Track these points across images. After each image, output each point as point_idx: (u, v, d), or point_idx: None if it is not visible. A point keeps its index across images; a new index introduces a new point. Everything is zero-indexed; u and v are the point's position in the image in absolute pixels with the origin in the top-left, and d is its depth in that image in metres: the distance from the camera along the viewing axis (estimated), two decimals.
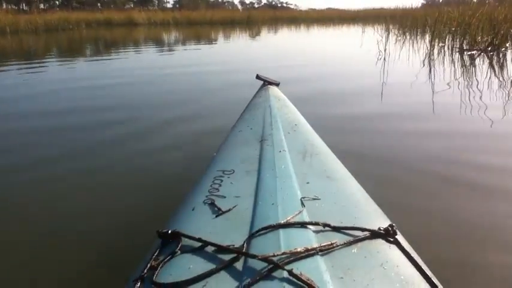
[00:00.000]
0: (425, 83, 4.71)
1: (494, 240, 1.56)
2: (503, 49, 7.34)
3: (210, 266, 0.76)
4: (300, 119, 1.78)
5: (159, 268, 0.78)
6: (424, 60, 6.68)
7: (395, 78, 5.09)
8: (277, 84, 2.38)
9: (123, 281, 0.83)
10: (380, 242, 0.86)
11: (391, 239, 0.87)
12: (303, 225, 0.87)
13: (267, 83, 2.34)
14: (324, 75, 5.62)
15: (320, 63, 7.08)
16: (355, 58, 7.62)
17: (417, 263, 0.81)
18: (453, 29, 8.57)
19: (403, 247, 0.84)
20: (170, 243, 0.86)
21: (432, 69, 5.70)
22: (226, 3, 63.71)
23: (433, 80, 4.84)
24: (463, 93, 4.04)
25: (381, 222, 0.93)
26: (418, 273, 0.78)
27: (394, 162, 2.33)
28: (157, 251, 0.84)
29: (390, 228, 0.88)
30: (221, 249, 0.81)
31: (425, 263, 0.83)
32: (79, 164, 2.46)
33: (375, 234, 0.86)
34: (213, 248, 0.82)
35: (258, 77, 2.37)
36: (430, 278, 0.77)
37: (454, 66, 6.08)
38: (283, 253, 0.76)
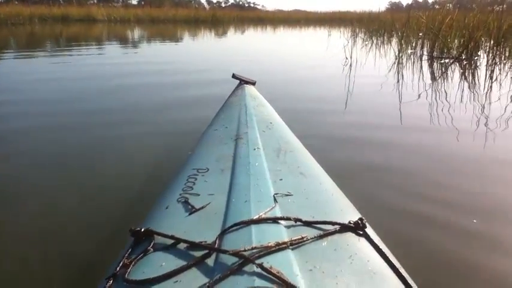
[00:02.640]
0: (392, 92, 4.48)
1: (461, 231, 1.64)
2: (476, 58, 6.99)
3: (182, 263, 0.77)
4: (276, 118, 1.80)
5: (131, 266, 0.79)
6: (392, 68, 6.30)
7: (361, 86, 4.83)
8: (253, 83, 2.38)
9: (97, 280, 0.82)
10: (350, 235, 0.88)
11: (361, 232, 0.89)
12: (274, 220, 0.89)
13: (243, 82, 2.35)
14: (288, 78, 5.47)
15: (285, 66, 6.84)
16: (321, 63, 7.17)
17: (385, 255, 0.83)
18: (421, 34, 8.17)
19: (372, 240, 0.87)
20: (143, 241, 0.86)
21: (400, 79, 5.35)
22: (192, 2, 62.63)
23: (401, 90, 4.57)
24: (432, 104, 3.86)
25: (352, 216, 0.95)
26: (386, 264, 0.81)
27: (364, 162, 2.41)
28: (130, 249, 0.85)
29: (360, 222, 0.90)
30: (193, 245, 0.82)
31: (394, 255, 0.86)
32: (51, 163, 2.39)
33: (344, 228, 0.89)
34: (185, 245, 0.82)
35: (234, 76, 2.38)
36: (398, 269, 0.79)
37: (424, 75, 5.76)
38: (254, 248, 0.77)
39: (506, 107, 3.64)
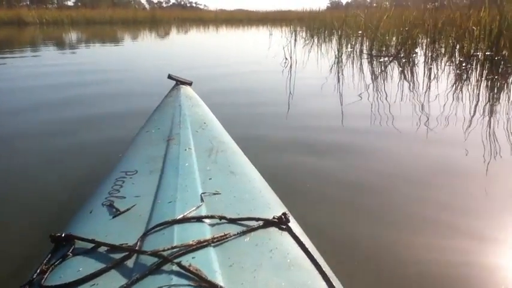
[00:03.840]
0: (332, 91, 4.42)
1: (386, 225, 1.67)
2: (414, 55, 7.01)
3: (102, 266, 0.76)
4: (210, 118, 1.79)
5: (48, 272, 0.77)
6: (332, 67, 6.20)
7: (302, 86, 4.76)
8: (189, 84, 2.35)
9: None
10: (273, 230, 0.90)
11: (284, 227, 0.91)
12: (198, 219, 0.89)
13: (179, 82, 2.30)
14: (228, 79, 5.37)
15: (225, 66, 6.65)
16: (263, 63, 6.96)
17: (305, 247, 0.85)
18: (360, 32, 8.14)
19: (294, 233, 0.89)
20: (63, 246, 0.85)
21: (341, 78, 5.29)
22: (132, 2, 60.77)
23: (341, 90, 4.50)
24: (373, 104, 3.78)
25: (278, 212, 0.95)
26: (306, 256, 0.83)
27: (299, 161, 2.39)
28: (49, 255, 0.83)
29: (283, 217, 0.92)
30: (114, 248, 0.81)
31: (320, 247, 0.91)
32: None
33: (268, 223, 0.91)
34: (106, 249, 0.82)
35: (169, 76, 2.32)
36: (316, 260, 0.81)
37: (364, 73, 5.69)
38: (174, 247, 0.78)
39: (444, 104, 3.59)
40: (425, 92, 4.27)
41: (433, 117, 3.18)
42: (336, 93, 4.35)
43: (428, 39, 7.23)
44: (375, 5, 10.94)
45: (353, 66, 6.34)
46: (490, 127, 2.96)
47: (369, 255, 1.48)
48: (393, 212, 1.78)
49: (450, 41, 6.98)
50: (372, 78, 5.33)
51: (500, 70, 5.62)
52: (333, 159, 2.43)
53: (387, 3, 9.14)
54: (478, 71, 5.66)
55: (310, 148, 2.61)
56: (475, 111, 3.41)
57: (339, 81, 5.06)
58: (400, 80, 5.08)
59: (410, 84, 4.77)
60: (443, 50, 7.13)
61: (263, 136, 2.82)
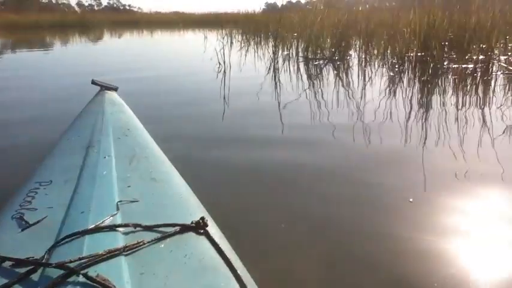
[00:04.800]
0: (271, 93, 4.40)
1: (310, 225, 1.66)
2: (348, 57, 7.02)
3: (5, 281, 0.73)
4: (135, 124, 1.73)
5: None
6: (269, 70, 6.10)
7: (239, 90, 4.66)
8: (115, 89, 2.25)
9: None
10: (190, 235, 0.89)
11: (201, 231, 0.91)
12: (112, 228, 0.87)
13: (104, 88, 2.19)
14: (160, 83, 5.24)
15: (158, 71, 6.45)
16: (197, 67, 6.76)
17: (222, 251, 0.85)
18: (296, 35, 8.06)
19: (211, 237, 0.89)
20: None
21: (278, 80, 5.24)
22: (61, 5, 57.86)
23: (279, 91, 4.50)
24: (312, 103, 3.86)
25: (198, 216, 0.94)
26: (222, 260, 0.82)
27: (229, 167, 2.31)
28: None
29: (201, 221, 0.92)
30: (19, 262, 0.77)
31: (240, 250, 0.92)
32: None
33: (185, 229, 0.90)
34: (10, 263, 0.78)
35: (93, 82, 2.21)
36: (232, 263, 0.81)
37: (301, 76, 5.65)
38: (82, 258, 0.75)
39: (379, 104, 3.60)
40: (362, 91, 4.37)
41: (369, 114, 3.27)
42: (274, 94, 4.33)
43: (361, 41, 7.30)
44: (309, 7, 10.94)
45: (289, 69, 6.25)
46: (422, 120, 3.13)
47: (291, 256, 1.47)
48: (325, 209, 1.80)
49: (382, 43, 7.07)
50: (308, 80, 5.29)
51: (430, 70, 5.79)
52: (271, 157, 2.44)
53: (321, 5, 9.15)
54: (410, 71, 5.82)
55: (246, 147, 2.61)
56: (409, 109, 3.53)
57: (276, 83, 5.02)
58: (336, 82, 5.08)
59: (346, 86, 4.79)
60: (376, 52, 7.22)
61: (193, 139, 2.80)
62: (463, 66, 5.82)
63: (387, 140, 2.67)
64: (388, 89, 4.52)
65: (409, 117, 3.25)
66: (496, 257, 1.44)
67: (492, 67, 5.59)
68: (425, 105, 3.70)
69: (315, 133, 2.91)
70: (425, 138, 2.69)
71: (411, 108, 3.56)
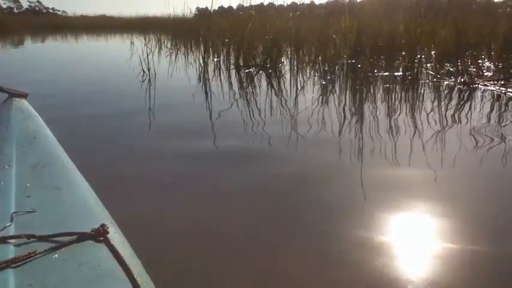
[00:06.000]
0: (202, 101, 4.30)
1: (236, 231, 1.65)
2: (280, 65, 6.87)
3: None
4: (43, 132, 1.67)
5: None
6: (200, 77, 5.87)
7: (166, 96, 4.60)
8: (25, 96, 2.12)
9: None
10: (89, 244, 0.87)
11: (101, 238, 0.88)
12: (2, 240, 0.84)
13: (12, 95, 2.06)
14: (79, 92, 4.98)
15: (78, 78, 6.21)
16: (122, 75, 6.41)
17: (121, 258, 0.82)
18: (227, 40, 7.79)
19: (112, 245, 0.86)
20: None
21: (209, 88, 5.08)
22: None
23: (210, 100, 4.39)
24: (244, 111, 3.81)
25: (100, 223, 0.91)
26: (120, 268, 0.80)
27: (151, 180, 2.20)
28: None
29: (101, 228, 0.89)
30: None
31: (147, 257, 0.92)
32: None
33: (83, 237, 0.87)
34: None
35: (1, 89, 2.06)
36: (130, 270, 0.79)
37: (233, 84, 5.49)
38: None
39: (310, 118, 3.45)
40: (294, 99, 4.34)
41: (303, 123, 3.25)
42: (204, 103, 4.22)
43: (292, 48, 7.20)
44: (241, 12, 10.74)
45: (221, 77, 6.03)
46: (355, 129, 3.15)
47: (205, 263, 1.46)
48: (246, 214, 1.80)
49: (313, 49, 7.01)
50: (240, 88, 5.15)
51: (361, 77, 5.80)
52: (201, 166, 2.41)
53: (253, 11, 8.98)
54: (341, 79, 5.81)
55: (174, 156, 2.57)
56: (342, 117, 3.54)
57: (206, 92, 4.87)
58: (268, 91, 4.95)
59: (278, 94, 4.70)
60: (307, 59, 7.15)
61: (106, 147, 2.76)
62: (393, 74, 5.88)
63: (321, 150, 2.67)
64: (320, 97, 4.46)
65: (342, 125, 3.24)
66: (423, 256, 1.49)
67: (420, 74, 5.67)
68: (358, 114, 3.70)
69: (248, 144, 2.81)
70: (360, 147, 2.71)
71: (344, 116, 3.56)
